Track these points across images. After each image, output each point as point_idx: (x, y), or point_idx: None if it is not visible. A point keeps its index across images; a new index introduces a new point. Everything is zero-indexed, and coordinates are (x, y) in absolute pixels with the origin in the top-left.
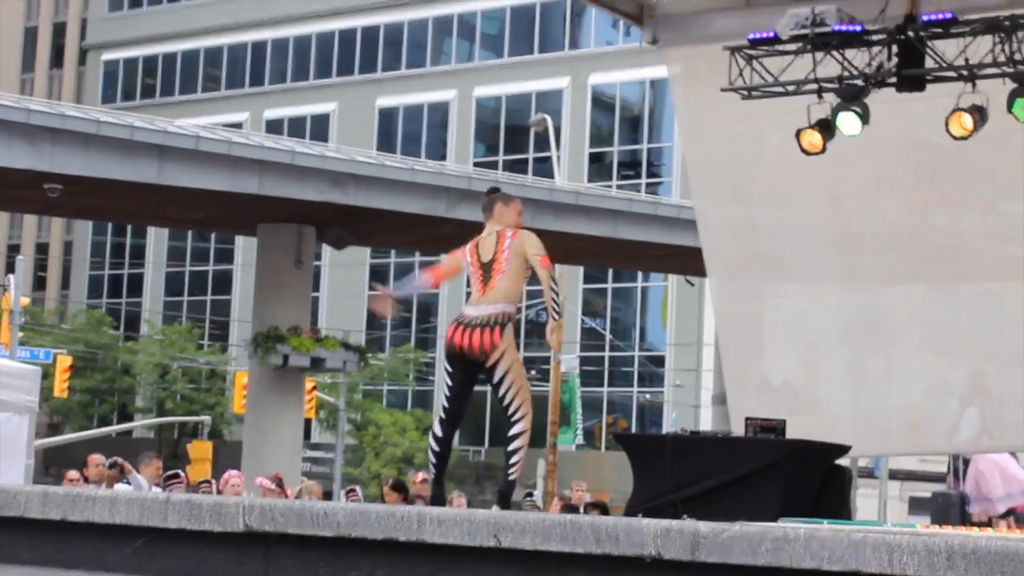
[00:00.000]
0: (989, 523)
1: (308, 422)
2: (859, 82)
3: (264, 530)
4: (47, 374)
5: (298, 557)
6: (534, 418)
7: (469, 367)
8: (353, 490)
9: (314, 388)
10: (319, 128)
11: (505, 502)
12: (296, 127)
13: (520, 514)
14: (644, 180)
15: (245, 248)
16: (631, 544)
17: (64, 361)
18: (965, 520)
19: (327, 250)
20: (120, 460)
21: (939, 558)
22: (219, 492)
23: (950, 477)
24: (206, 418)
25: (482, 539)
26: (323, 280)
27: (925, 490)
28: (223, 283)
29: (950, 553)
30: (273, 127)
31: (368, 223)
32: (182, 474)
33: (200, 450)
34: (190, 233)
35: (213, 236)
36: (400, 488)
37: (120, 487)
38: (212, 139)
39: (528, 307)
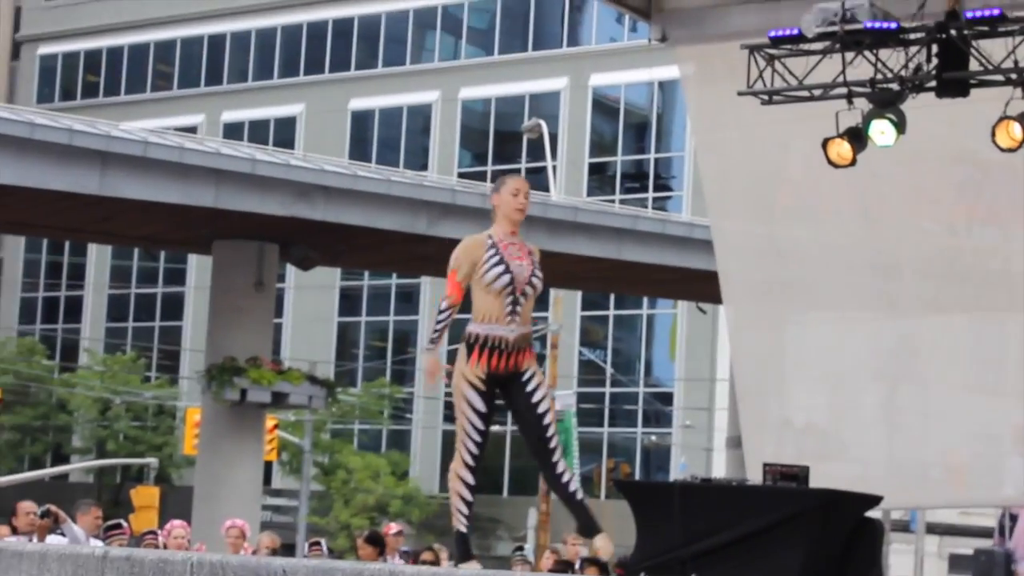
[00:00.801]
0: None
1: (268, 465)
2: (894, 86)
3: None
4: None
5: None
6: (526, 461)
7: None
8: (317, 543)
9: (276, 427)
10: (284, 133)
11: (458, 553)
12: (258, 131)
13: (506, 574)
14: (651, 194)
15: (199, 268)
16: None
17: None
18: None
19: (292, 271)
20: (54, 508)
21: None
22: (164, 546)
23: (997, 535)
24: (152, 460)
25: None
26: (287, 305)
27: (967, 546)
28: (173, 307)
29: None
30: (232, 131)
31: (338, 241)
32: (125, 524)
33: (145, 496)
34: (136, 251)
35: (162, 254)
36: (376, 541)
37: (53, 539)
38: (162, 145)
39: None
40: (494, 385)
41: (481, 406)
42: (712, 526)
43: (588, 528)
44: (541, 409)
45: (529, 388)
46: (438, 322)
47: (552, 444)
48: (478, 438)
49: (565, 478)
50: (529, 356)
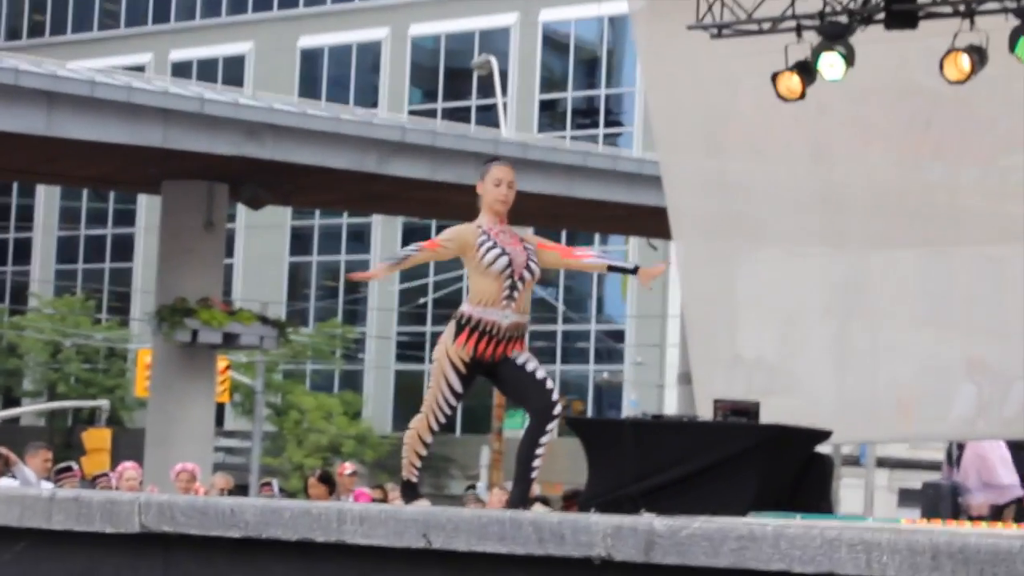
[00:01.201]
0: (998, 516)
1: (221, 407)
2: (843, 19)
3: (162, 530)
4: None
5: (202, 560)
6: (479, 400)
7: None
8: (268, 484)
9: (227, 368)
10: (233, 71)
11: (408, 497)
12: (206, 70)
13: (453, 510)
14: (602, 130)
15: (148, 209)
16: (578, 544)
17: None
18: (958, 514)
19: (242, 210)
20: (4, 451)
21: (923, 558)
22: (117, 488)
23: (946, 465)
24: (104, 403)
25: (410, 539)
26: (237, 245)
27: (917, 480)
28: (123, 249)
29: (935, 552)
30: (180, 70)
31: (288, 180)
32: (75, 466)
33: (97, 439)
34: (85, 192)
35: (112, 195)
36: (327, 480)
37: (4, 482)
38: (109, 84)
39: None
40: (477, 369)
41: (459, 387)
42: (663, 462)
43: (518, 503)
44: (539, 375)
45: (521, 361)
46: (403, 253)
47: (556, 411)
48: (448, 412)
49: (537, 457)
50: (520, 346)
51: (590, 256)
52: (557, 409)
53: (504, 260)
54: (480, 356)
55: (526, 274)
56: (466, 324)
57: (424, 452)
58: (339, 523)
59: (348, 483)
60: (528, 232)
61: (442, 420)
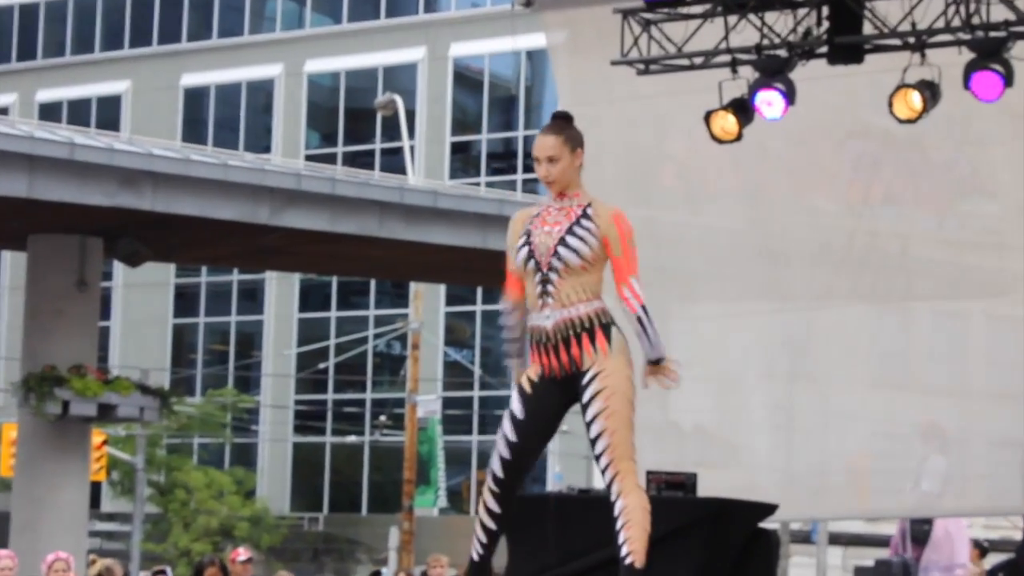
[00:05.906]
0: None
1: (97, 486)
2: (782, 52)
3: None
4: None
5: None
6: (387, 475)
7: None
8: (162, 572)
9: (104, 443)
10: (108, 113)
11: None
12: (78, 112)
13: None
14: (520, 176)
15: (13, 266)
16: None
17: None
18: None
19: (119, 268)
20: None
21: None
22: None
23: (895, 540)
24: None
25: None
26: (114, 306)
27: (873, 558)
28: None
29: None
30: (48, 112)
31: (170, 234)
32: None
33: None
34: None
35: None
36: (222, 571)
37: None
38: None
39: (376, 336)
40: (555, 389)
41: (519, 412)
42: (590, 542)
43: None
44: (587, 418)
45: (585, 397)
46: (504, 329)
47: (601, 465)
48: (506, 453)
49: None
50: (588, 347)
51: (628, 304)
52: (599, 457)
53: (524, 253)
54: (548, 374)
55: (555, 262)
56: (530, 339)
57: (492, 525)
58: None
59: (241, 571)
60: (608, 205)
61: (498, 470)
